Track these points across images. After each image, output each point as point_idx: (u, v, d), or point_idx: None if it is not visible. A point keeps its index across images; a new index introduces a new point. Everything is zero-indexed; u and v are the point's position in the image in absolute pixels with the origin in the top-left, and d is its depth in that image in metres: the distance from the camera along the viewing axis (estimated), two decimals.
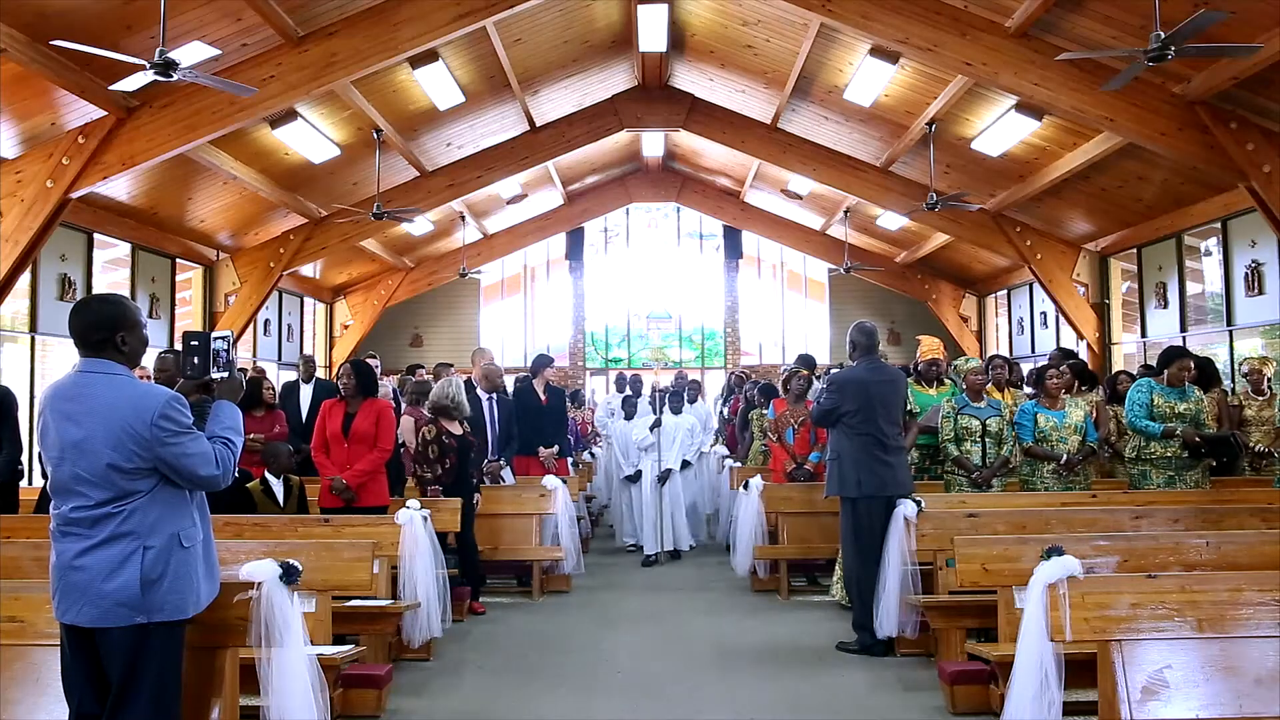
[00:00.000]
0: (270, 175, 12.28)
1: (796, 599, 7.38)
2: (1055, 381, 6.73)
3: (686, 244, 21.22)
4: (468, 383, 8.50)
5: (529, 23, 10.97)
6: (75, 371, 3.07)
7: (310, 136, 11.57)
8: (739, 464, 9.45)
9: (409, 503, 5.70)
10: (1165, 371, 6.71)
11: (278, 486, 6.10)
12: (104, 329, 3.01)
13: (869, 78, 11.16)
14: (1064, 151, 11.42)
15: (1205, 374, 8.30)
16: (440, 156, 14.00)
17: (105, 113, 9.16)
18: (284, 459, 6.17)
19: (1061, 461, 6.52)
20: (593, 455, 11.91)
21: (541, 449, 8.42)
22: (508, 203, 17.75)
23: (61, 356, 10.68)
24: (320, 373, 14.40)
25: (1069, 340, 14.48)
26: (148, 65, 7.01)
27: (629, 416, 9.86)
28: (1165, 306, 12.68)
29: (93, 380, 3.00)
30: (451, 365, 10.38)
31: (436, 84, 11.33)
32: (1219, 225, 11.34)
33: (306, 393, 8.37)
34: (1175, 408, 6.60)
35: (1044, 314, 16.13)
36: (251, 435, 6.89)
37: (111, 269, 12.44)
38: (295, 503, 6.16)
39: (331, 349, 18.64)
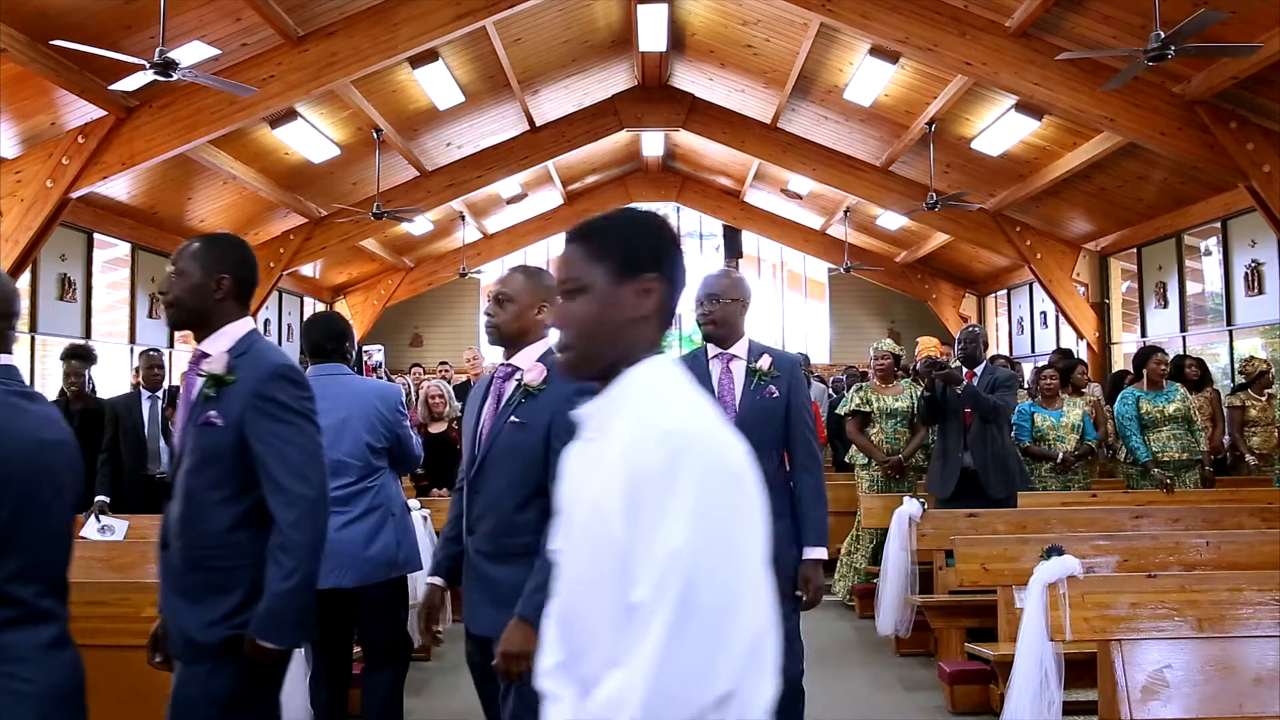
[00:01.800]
0: (270, 175, 12.28)
1: None
2: (1049, 382, 6.77)
3: (686, 244, 21.24)
4: (465, 384, 8.53)
5: (529, 23, 10.96)
6: (313, 376, 3.53)
7: (310, 136, 11.57)
8: None
9: (409, 502, 5.69)
10: (1144, 372, 6.78)
11: None
12: (335, 340, 3.66)
13: (869, 77, 11.15)
14: (1064, 151, 11.41)
15: (1203, 374, 8.34)
16: (440, 156, 14.00)
17: (105, 113, 9.16)
18: None
19: (1058, 460, 6.53)
20: None
21: None
22: (508, 203, 17.74)
23: None
24: None
25: (1069, 340, 14.49)
26: (147, 65, 7.01)
27: None
28: (1165, 306, 12.68)
29: (329, 380, 3.54)
30: (448, 364, 10.38)
31: (436, 84, 11.33)
32: (1219, 225, 11.34)
33: None
34: (1165, 410, 6.62)
35: (1044, 314, 16.12)
36: None
37: (111, 269, 12.45)
38: None
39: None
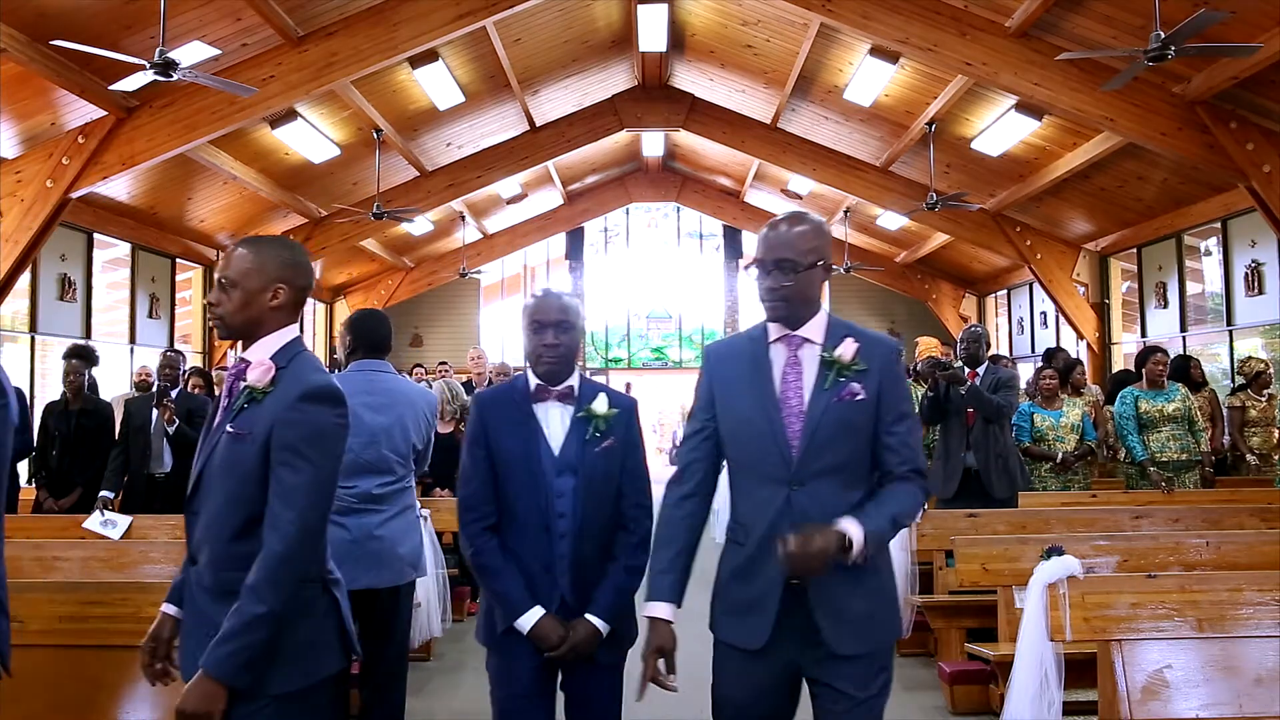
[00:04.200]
0: (270, 175, 12.27)
1: None
2: (1049, 383, 6.78)
3: (686, 244, 21.22)
4: (467, 384, 8.53)
5: (529, 22, 10.97)
6: (364, 371, 3.67)
7: (310, 136, 11.57)
8: None
9: None
10: (1143, 371, 6.82)
11: None
12: (390, 337, 3.82)
13: (869, 77, 11.16)
14: (1064, 151, 11.41)
15: (1202, 374, 8.35)
16: (440, 156, 14.00)
17: (105, 113, 9.16)
18: None
19: (1058, 461, 6.53)
20: None
21: None
22: (508, 203, 17.74)
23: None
24: None
25: (1069, 340, 14.49)
26: (148, 65, 7.01)
27: None
28: (1165, 306, 12.67)
29: (386, 377, 3.71)
30: (448, 364, 10.39)
31: (436, 84, 11.33)
32: (1219, 225, 11.34)
33: None
34: (1164, 409, 6.64)
35: (1044, 314, 16.12)
36: None
37: (111, 269, 12.45)
38: None
39: (331, 349, 18.64)
